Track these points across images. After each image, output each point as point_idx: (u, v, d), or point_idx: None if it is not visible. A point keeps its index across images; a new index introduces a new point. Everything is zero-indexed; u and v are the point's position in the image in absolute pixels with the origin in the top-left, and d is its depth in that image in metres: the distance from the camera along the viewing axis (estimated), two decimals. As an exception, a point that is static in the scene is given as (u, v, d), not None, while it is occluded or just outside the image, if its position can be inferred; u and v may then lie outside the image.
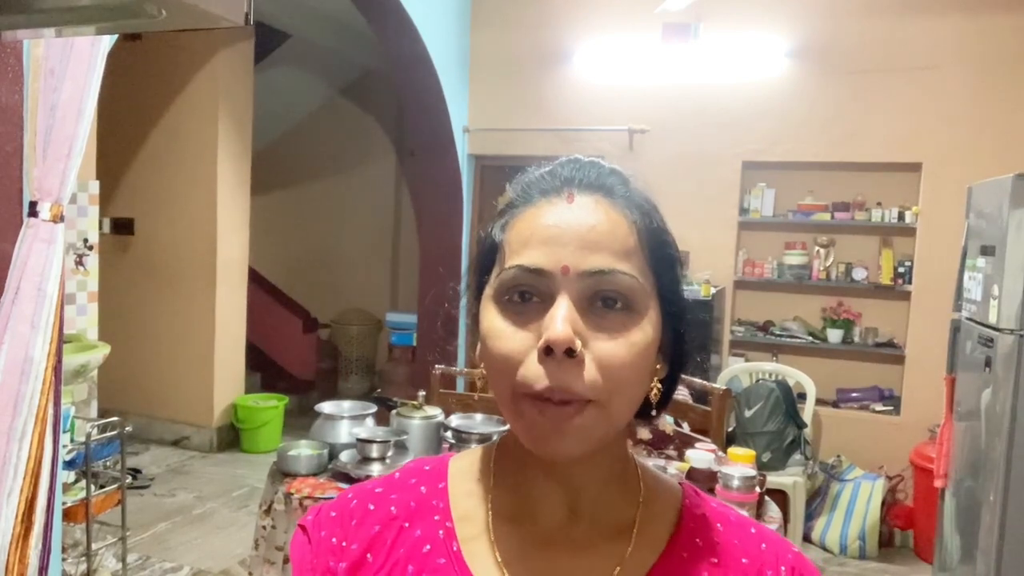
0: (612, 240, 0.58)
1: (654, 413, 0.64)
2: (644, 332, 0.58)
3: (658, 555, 0.63)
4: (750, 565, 0.63)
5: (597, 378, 0.55)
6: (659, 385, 0.62)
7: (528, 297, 0.57)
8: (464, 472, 0.68)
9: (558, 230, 0.57)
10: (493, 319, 0.59)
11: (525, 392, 0.56)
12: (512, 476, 0.65)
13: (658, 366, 0.62)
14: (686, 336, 0.63)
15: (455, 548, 0.63)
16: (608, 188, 0.60)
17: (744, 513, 2.07)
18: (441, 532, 0.64)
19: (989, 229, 2.85)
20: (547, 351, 0.54)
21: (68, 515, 2.74)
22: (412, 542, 0.64)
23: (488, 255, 0.62)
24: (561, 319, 0.54)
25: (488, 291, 0.61)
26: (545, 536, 0.63)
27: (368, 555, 0.64)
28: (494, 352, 0.58)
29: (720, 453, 2.35)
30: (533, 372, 0.55)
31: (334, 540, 0.66)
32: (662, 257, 0.61)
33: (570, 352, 0.54)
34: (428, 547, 0.64)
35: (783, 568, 0.63)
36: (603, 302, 0.57)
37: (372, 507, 0.67)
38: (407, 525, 0.65)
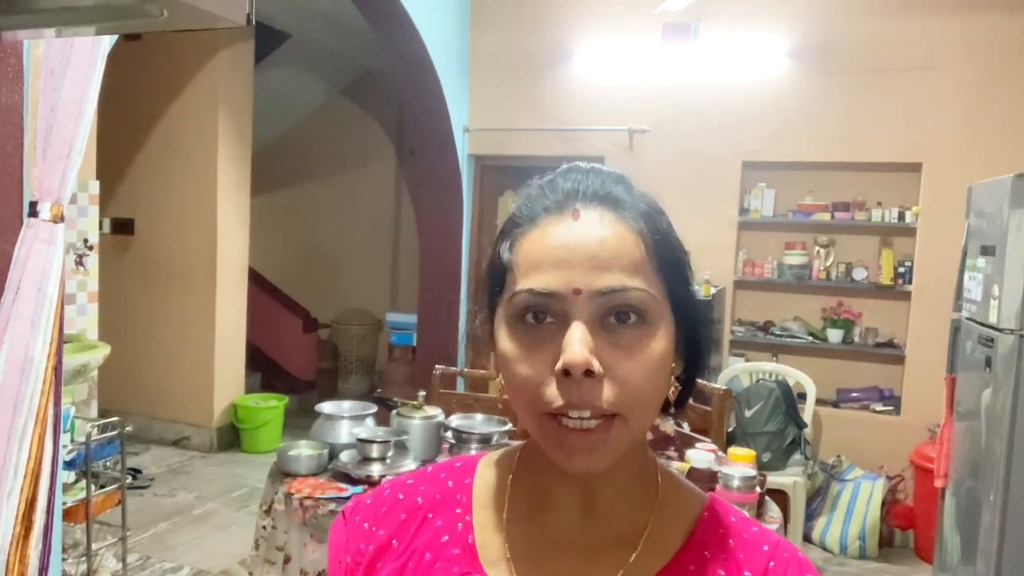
0: (621, 255, 0.58)
1: (673, 411, 0.65)
2: (660, 343, 0.58)
3: (664, 564, 0.63)
4: None
5: (618, 395, 0.56)
6: (677, 384, 0.63)
7: (542, 318, 0.58)
8: (490, 470, 0.71)
9: (567, 251, 0.58)
10: (508, 342, 0.59)
11: (546, 411, 0.57)
12: (531, 477, 0.67)
13: (673, 364, 0.62)
14: (701, 335, 0.64)
15: (470, 541, 0.66)
16: (613, 199, 0.60)
17: (746, 513, 2.07)
18: (460, 525, 0.67)
19: (989, 229, 2.85)
20: (565, 373, 0.55)
21: (68, 515, 2.74)
22: (433, 531, 0.67)
23: (497, 274, 0.62)
24: (577, 342, 0.55)
25: (501, 312, 0.61)
26: (555, 537, 0.64)
27: (393, 541, 0.68)
28: (513, 376, 0.59)
29: (720, 453, 2.35)
30: (553, 394, 0.56)
31: (366, 525, 0.70)
32: (670, 262, 0.61)
33: (589, 373, 0.55)
34: (446, 537, 0.67)
35: None
36: (616, 317, 0.57)
37: (402, 496, 0.70)
38: (431, 516, 0.68)
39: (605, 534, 0.64)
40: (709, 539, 0.65)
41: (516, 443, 0.73)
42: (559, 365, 0.55)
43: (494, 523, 0.67)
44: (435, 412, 2.44)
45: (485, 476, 0.70)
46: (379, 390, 5.23)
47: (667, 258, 0.61)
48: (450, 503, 0.69)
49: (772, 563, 0.63)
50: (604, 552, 0.63)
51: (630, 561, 0.63)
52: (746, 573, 0.63)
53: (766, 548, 0.65)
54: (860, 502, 3.83)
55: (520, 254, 0.60)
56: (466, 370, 3.34)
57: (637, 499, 0.65)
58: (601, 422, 0.56)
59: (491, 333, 0.63)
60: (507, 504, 0.67)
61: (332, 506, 2.03)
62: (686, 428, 2.64)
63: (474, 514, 0.68)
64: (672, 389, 0.62)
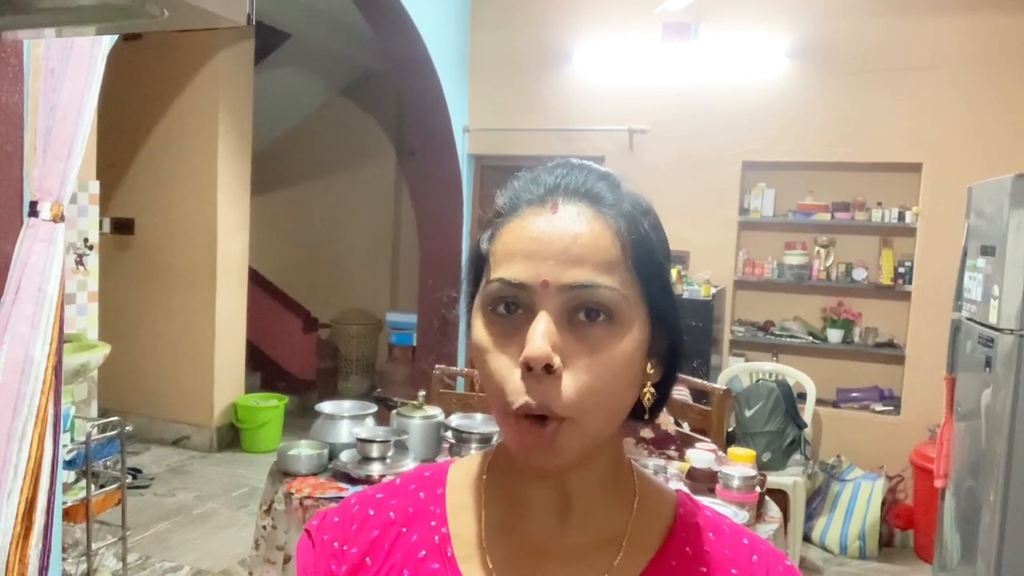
0: (594, 252, 0.57)
1: (647, 417, 0.64)
2: (627, 345, 0.58)
3: (646, 563, 0.63)
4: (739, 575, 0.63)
5: (574, 395, 0.56)
6: (652, 389, 0.62)
7: (513, 309, 0.58)
8: (462, 478, 0.69)
9: (539, 243, 0.57)
10: (481, 331, 0.59)
11: (508, 408, 0.57)
12: (505, 483, 0.66)
13: (650, 370, 0.61)
14: (679, 339, 0.63)
15: (449, 554, 0.64)
16: (594, 195, 0.59)
17: (744, 515, 2.07)
18: (436, 538, 0.65)
19: (989, 229, 2.85)
20: (527, 367, 0.55)
21: (68, 515, 2.74)
22: (408, 547, 0.65)
23: (477, 264, 0.63)
24: (540, 335, 0.55)
25: (477, 301, 0.61)
26: (536, 543, 0.63)
27: (367, 559, 0.65)
28: (484, 366, 0.59)
29: (720, 453, 2.36)
30: (515, 388, 0.56)
31: (336, 544, 0.67)
32: (649, 265, 0.60)
33: (549, 368, 0.55)
34: (424, 552, 0.64)
35: None
36: (586, 314, 0.57)
37: (372, 512, 0.68)
38: (405, 530, 0.66)
39: (585, 537, 0.63)
40: (689, 536, 0.65)
41: (485, 448, 0.73)
42: (520, 358, 0.55)
43: (472, 533, 0.65)
44: (435, 412, 2.44)
45: (457, 484, 0.69)
46: (379, 390, 5.23)
47: (645, 260, 0.59)
48: (424, 515, 0.67)
49: (755, 556, 0.64)
50: (586, 555, 0.63)
51: (615, 564, 0.62)
52: (733, 570, 0.63)
53: (746, 542, 0.66)
54: (860, 502, 3.83)
55: (497, 244, 0.60)
56: (466, 370, 3.34)
57: (614, 500, 0.65)
58: (555, 422, 0.56)
59: (469, 323, 0.63)
60: (484, 512, 0.66)
61: (332, 506, 2.03)
62: (686, 428, 2.64)
63: (450, 525, 0.66)
64: (648, 395, 0.62)
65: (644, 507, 0.65)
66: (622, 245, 0.58)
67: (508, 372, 0.57)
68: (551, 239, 0.57)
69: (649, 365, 0.61)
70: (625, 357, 0.58)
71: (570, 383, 0.56)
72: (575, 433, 0.57)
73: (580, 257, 0.56)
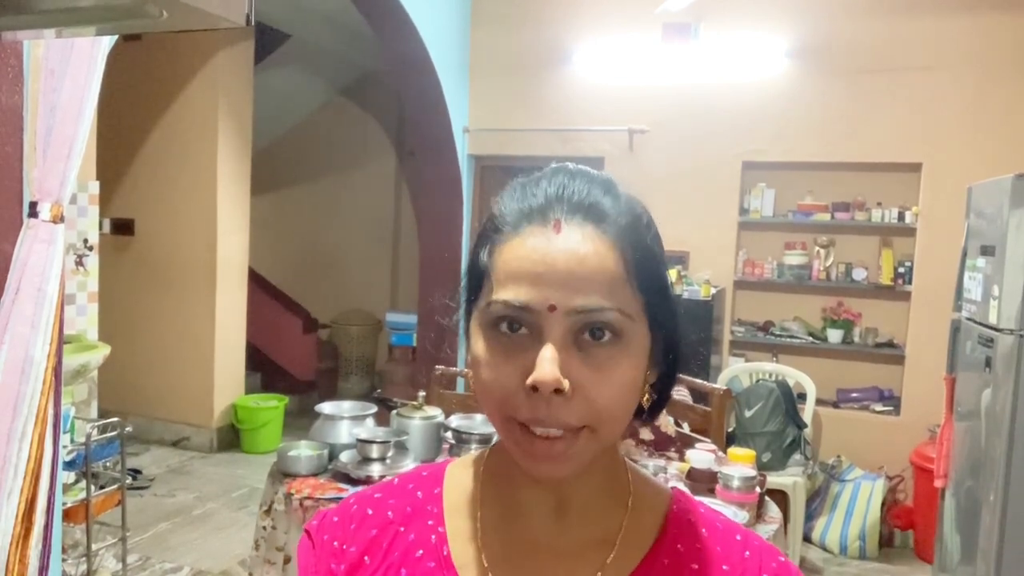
0: (600, 274, 0.56)
1: (646, 416, 0.64)
2: (632, 360, 0.58)
3: (639, 561, 0.63)
4: (731, 572, 0.63)
5: (587, 411, 0.56)
6: (652, 393, 0.63)
7: (516, 328, 0.57)
8: (459, 478, 0.70)
9: (545, 266, 0.56)
10: (481, 347, 0.59)
11: (510, 415, 0.57)
12: (502, 484, 0.66)
13: (648, 372, 0.62)
14: (678, 342, 0.63)
15: (445, 553, 0.65)
16: (597, 212, 0.58)
17: (744, 515, 2.06)
18: (433, 537, 0.66)
19: (989, 229, 2.85)
20: (534, 389, 0.55)
21: (68, 516, 2.74)
22: (406, 546, 0.66)
23: (476, 276, 0.62)
24: (548, 360, 0.55)
25: (476, 316, 0.61)
26: (532, 542, 0.64)
27: (365, 557, 0.66)
28: (483, 381, 0.59)
29: (720, 453, 2.36)
30: (521, 400, 0.56)
31: (335, 543, 0.68)
32: (650, 276, 0.60)
33: (558, 391, 0.55)
34: (421, 551, 0.65)
35: None
36: (591, 334, 0.57)
37: (371, 512, 0.69)
38: (402, 529, 0.67)
39: (581, 536, 0.64)
40: (681, 533, 0.65)
41: (483, 448, 0.72)
42: (529, 380, 0.55)
43: (468, 532, 0.66)
44: (435, 412, 2.44)
45: (455, 484, 0.69)
46: (379, 390, 5.23)
47: (647, 273, 0.59)
48: (421, 515, 0.68)
49: (747, 552, 0.64)
50: (581, 554, 0.63)
51: (607, 562, 0.63)
52: (724, 566, 0.63)
53: (738, 538, 0.66)
54: (860, 502, 3.83)
55: (499, 261, 0.59)
56: (466, 370, 3.34)
57: (609, 500, 0.65)
58: (567, 432, 0.56)
59: (467, 332, 0.62)
60: (480, 512, 0.66)
61: (332, 506, 2.02)
62: (686, 428, 2.64)
63: (447, 524, 0.66)
64: (646, 398, 0.62)
65: (638, 505, 0.66)
66: (625, 263, 0.58)
67: (511, 384, 0.57)
68: (556, 262, 0.56)
69: (647, 368, 0.61)
70: (632, 371, 0.58)
71: (580, 402, 0.56)
72: (590, 441, 0.58)
73: (586, 280, 0.56)
